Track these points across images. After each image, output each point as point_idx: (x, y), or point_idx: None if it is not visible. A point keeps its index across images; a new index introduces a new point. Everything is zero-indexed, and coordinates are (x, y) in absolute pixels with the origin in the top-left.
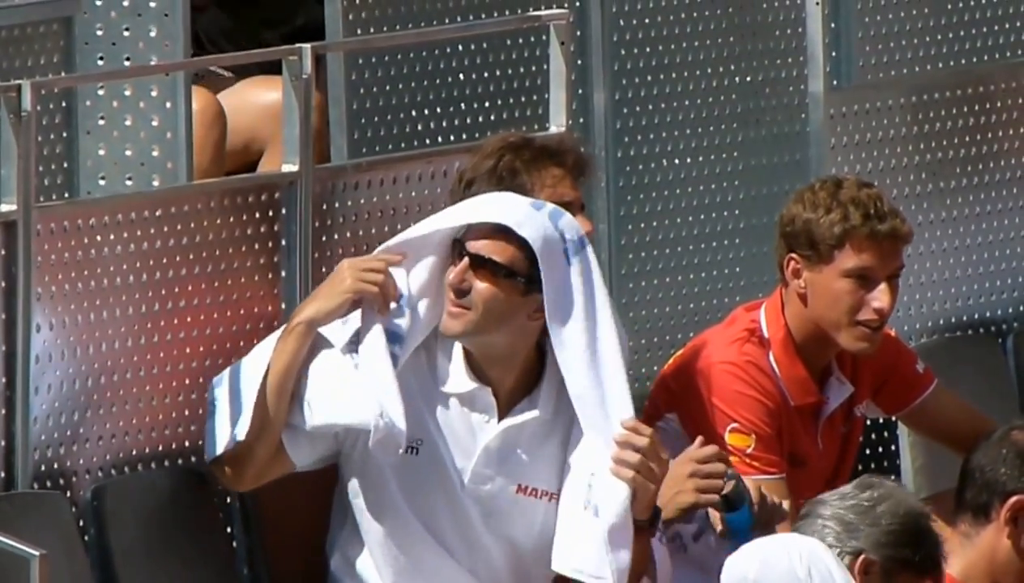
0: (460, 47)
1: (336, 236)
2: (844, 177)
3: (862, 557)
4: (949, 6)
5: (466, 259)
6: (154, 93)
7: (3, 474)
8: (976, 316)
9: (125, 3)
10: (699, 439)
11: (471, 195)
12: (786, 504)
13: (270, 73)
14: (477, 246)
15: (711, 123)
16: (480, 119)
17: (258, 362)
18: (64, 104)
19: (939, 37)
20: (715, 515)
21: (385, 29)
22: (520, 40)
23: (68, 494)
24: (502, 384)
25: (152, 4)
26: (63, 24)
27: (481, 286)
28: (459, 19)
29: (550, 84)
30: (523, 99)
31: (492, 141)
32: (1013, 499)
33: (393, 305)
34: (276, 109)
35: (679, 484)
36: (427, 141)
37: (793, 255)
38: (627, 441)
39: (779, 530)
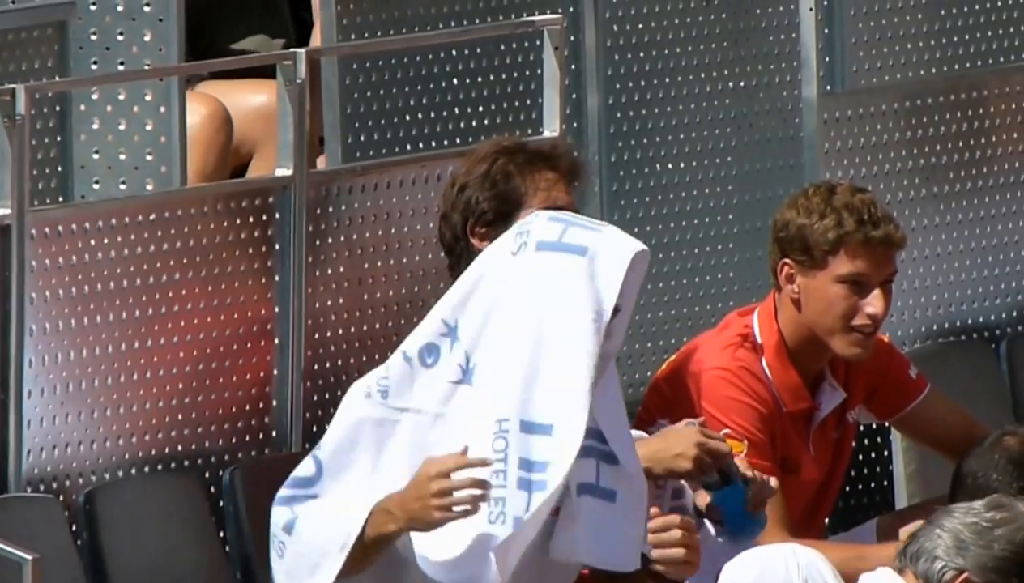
0: (454, 52)
1: (330, 240)
2: (838, 182)
3: (963, 576)
4: (942, 11)
5: None
6: (148, 97)
7: None
8: (970, 321)
9: (119, 8)
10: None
11: (464, 200)
12: (777, 509)
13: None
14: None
15: (704, 128)
16: (474, 123)
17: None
18: (58, 108)
19: (932, 42)
20: (703, 497)
21: (379, 34)
22: (514, 45)
23: (61, 498)
24: None
25: (146, 9)
26: (57, 28)
27: None
28: (453, 24)
29: (544, 89)
30: (517, 104)
31: (485, 145)
32: None
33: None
34: (266, 112)
35: (682, 446)
36: (421, 145)
37: (787, 260)
38: (663, 540)
39: (775, 536)
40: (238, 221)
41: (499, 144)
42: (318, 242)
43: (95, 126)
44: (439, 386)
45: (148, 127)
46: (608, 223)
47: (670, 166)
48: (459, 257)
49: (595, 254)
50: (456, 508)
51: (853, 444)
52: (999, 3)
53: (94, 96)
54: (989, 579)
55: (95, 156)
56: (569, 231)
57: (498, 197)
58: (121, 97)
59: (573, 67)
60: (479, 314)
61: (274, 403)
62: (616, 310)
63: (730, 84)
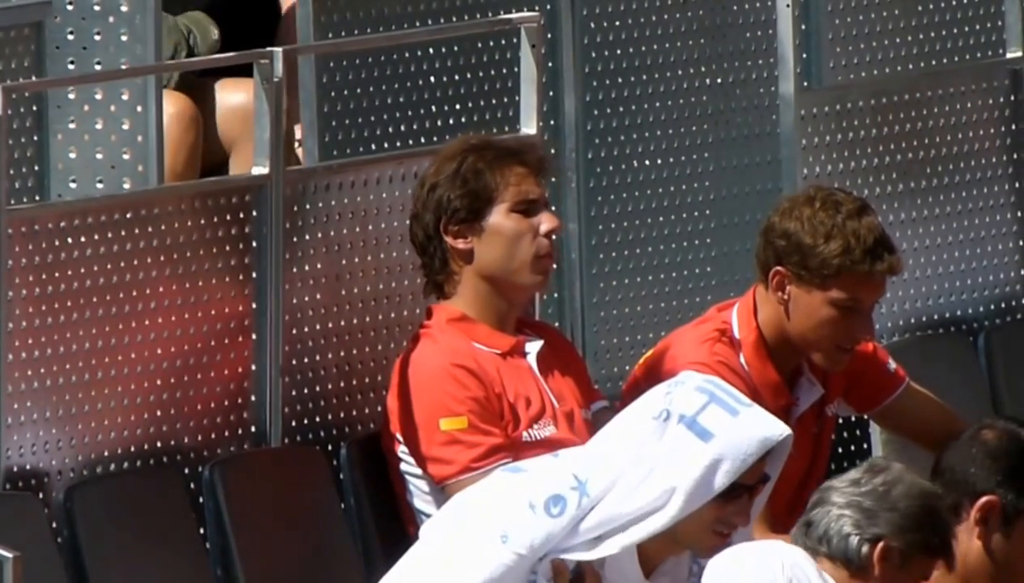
0: (431, 50)
1: (307, 237)
2: (840, 195)
3: (882, 543)
4: (919, 8)
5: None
6: (125, 96)
7: None
8: (948, 314)
9: (96, 7)
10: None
11: (435, 199)
12: (759, 506)
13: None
14: (755, 474)
15: (682, 124)
16: (451, 121)
17: None
18: (35, 108)
19: (909, 39)
20: None
21: (356, 32)
22: (491, 43)
23: (41, 495)
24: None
25: (123, 8)
26: (34, 28)
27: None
28: (430, 22)
29: (521, 86)
30: (494, 101)
31: (453, 144)
32: (983, 500)
33: None
34: (243, 111)
35: None
36: (398, 143)
37: (780, 268)
38: None
39: (755, 532)
40: (215, 219)
41: (467, 142)
42: (295, 239)
43: (72, 125)
44: (556, 536)
45: (125, 126)
46: (753, 403)
47: (647, 162)
48: (432, 256)
49: (721, 447)
50: None
51: (833, 437)
52: None
53: (71, 95)
54: (907, 540)
55: (72, 155)
56: (708, 410)
57: (470, 194)
58: (98, 96)
59: (550, 65)
60: (611, 474)
61: (253, 399)
62: (747, 487)
63: (707, 81)
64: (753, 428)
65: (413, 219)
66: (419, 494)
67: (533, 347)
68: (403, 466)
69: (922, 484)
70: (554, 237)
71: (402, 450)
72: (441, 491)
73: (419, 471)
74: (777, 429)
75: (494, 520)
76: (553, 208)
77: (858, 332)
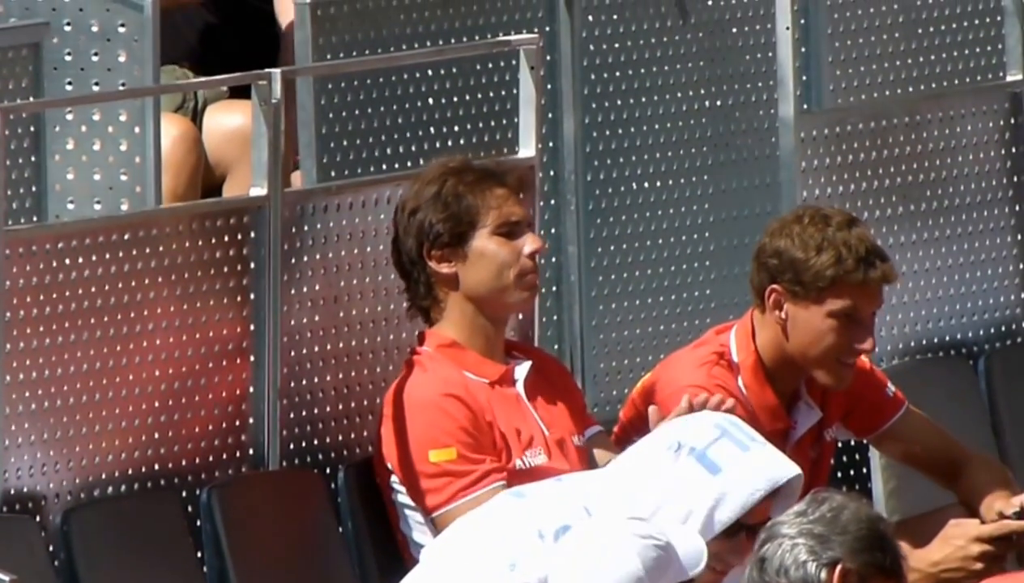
0: (430, 72)
1: (305, 259)
2: (829, 210)
3: (839, 567)
4: (919, 30)
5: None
6: (123, 118)
7: None
8: (947, 338)
9: (94, 28)
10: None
11: (416, 223)
12: None
13: None
14: (759, 515)
15: (681, 147)
16: (450, 143)
17: None
18: (32, 129)
19: (909, 61)
20: None
21: (355, 54)
22: (490, 65)
23: (38, 518)
24: None
25: (121, 29)
26: (32, 49)
27: None
28: (429, 44)
29: (520, 108)
30: (493, 123)
31: (432, 168)
32: None
33: None
34: (240, 133)
35: (966, 564)
36: (396, 165)
37: (776, 287)
38: None
39: None
40: (213, 240)
41: (446, 165)
42: (293, 260)
43: (69, 146)
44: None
45: (123, 147)
46: (766, 441)
47: (646, 185)
48: (417, 282)
49: (728, 482)
50: None
51: (832, 462)
52: (976, 22)
53: (69, 116)
54: (863, 561)
55: (69, 176)
56: (718, 444)
57: (452, 218)
58: (96, 117)
59: (549, 87)
60: (617, 503)
61: (251, 421)
62: (748, 527)
63: (706, 103)
64: (761, 465)
65: (394, 244)
66: (413, 524)
67: (521, 372)
68: (396, 496)
69: (867, 509)
70: (539, 258)
71: (394, 480)
72: (433, 522)
73: (411, 501)
74: (786, 470)
75: (502, 548)
76: (549, 229)
77: (858, 342)
